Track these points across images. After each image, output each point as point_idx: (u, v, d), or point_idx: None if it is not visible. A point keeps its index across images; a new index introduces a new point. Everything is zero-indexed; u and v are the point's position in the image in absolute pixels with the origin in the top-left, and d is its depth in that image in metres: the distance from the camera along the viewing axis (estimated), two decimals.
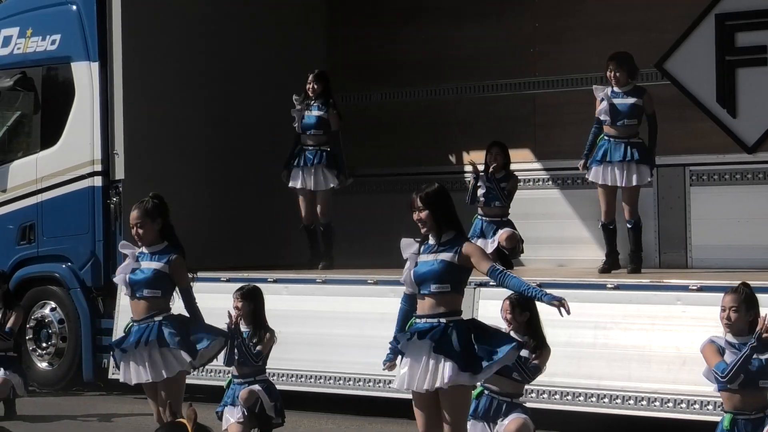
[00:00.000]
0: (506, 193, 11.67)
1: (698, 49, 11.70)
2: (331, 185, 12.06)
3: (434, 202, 7.02)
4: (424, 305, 7.00)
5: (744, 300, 7.33)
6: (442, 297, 6.96)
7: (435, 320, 6.94)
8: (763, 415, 7.35)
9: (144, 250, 8.33)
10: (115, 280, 8.62)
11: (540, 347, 8.26)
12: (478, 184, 11.69)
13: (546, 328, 8.70)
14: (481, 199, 11.69)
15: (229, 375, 9.91)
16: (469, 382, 6.96)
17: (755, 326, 7.36)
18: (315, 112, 12.04)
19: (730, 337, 7.36)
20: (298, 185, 12.06)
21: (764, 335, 7.21)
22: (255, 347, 9.48)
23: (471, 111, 13.01)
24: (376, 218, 13.16)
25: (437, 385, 6.85)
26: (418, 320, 7.02)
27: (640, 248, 10.82)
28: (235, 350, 9.51)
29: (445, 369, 6.83)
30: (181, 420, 6.52)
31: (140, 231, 8.20)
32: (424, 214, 7.01)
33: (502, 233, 11.54)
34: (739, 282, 7.54)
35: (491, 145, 11.83)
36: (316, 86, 12.05)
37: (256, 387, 9.57)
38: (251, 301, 9.70)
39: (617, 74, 10.66)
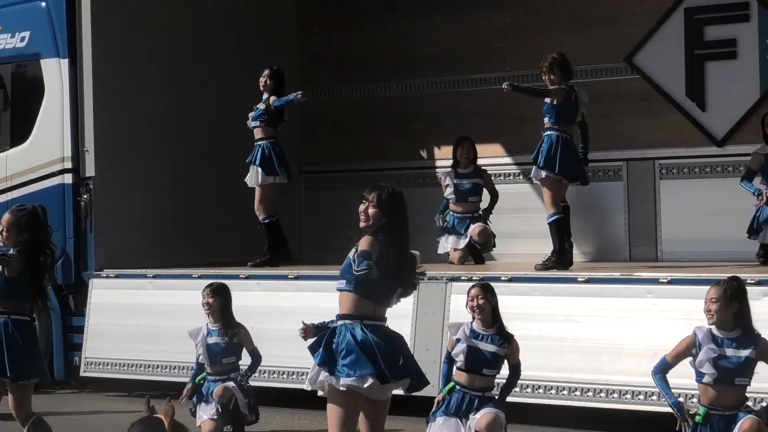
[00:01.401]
0: (481, 188, 11.78)
1: (667, 43, 11.75)
2: (253, 183, 11.79)
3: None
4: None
5: (724, 293, 7.39)
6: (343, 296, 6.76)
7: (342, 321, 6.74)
8: (737, 412, 7.40)
9: None
10: None
11: (507, 339, 8.31)
12: (447, 183, 11.77)
13: (517, 322, 8.76)
14: (452, 196, 11.76)
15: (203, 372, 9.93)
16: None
17: (739, 319, 7.41)
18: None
19: (715, 330, 7.41)
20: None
21: None
22: (232, 340, 9.53)
23: (442, 106, 13.03)
24: (347, 214, 13.12)
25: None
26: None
27: (558, 245, 10.33)
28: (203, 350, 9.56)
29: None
30: (158, 416, 6.50)
31: (4, 234, 8.37)
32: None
33: (474, 228, 11.61)
34: (729, 275, 7.61)
35: (461, 140, 11.90)
36: (268, 81, 11.92)
37: (231, 384, 9.58)
38: (221, 297, 9.73)
39: (551, 76, 10.50)
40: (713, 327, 7.41)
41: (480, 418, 8.15)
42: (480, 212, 11.81)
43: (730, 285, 7.44)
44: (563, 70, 10.38)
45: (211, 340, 9.69)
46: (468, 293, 8.45)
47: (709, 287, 7.48)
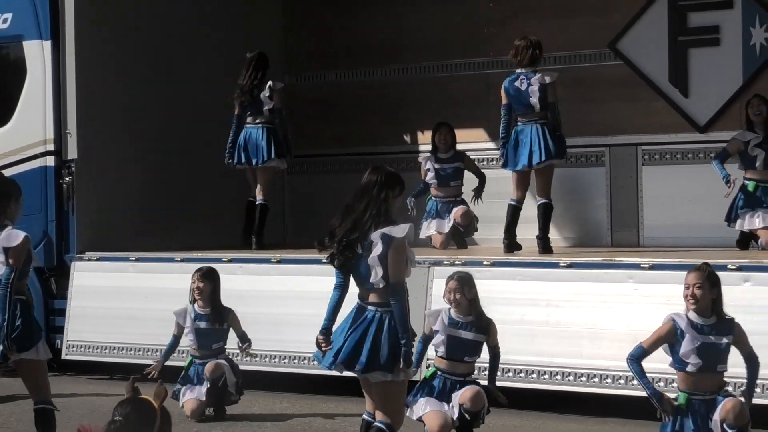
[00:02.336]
0: (462, 172, 11.80)
1: (651, 30, 11.77)
2: None
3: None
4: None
5: (707, 277, 7.41)
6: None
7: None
8: (717, 396, 7.43)
9: None
10: None
11: (486, 326, 8.34)
12: (427, 167, 11.79)
13: (498, 306, 8.79)
14: (434, 180, 11.77)
15: (189, 355, 9.93)
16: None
17: (717, 306, 7.43)
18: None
19: (694, 316, 7.40)
20: None
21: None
22: (222, 326, 9.57)
23: (426, 91, 13.04)
24: (330, 198, 13.14)
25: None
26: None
27: (543, 230, 10.61)
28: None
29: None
30: (145, 397, 6.46)
31: None
32: None
33: (457, 210, 11.63)
34: (701, 261, 7.63)
35: (439, 125, 11.91)
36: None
37: (223, 361, 9.61)
38: (211, 281, 9.75)
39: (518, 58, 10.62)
40: (692, 313, 7.43)
41: (464, 392, 8.22)
42: (462, 196, 11.83)
43: (709, 270, 7.47)
44: (514, 57, 10.50)
45: (201, 324, 9.71)
46: (446, 284, 8.47)
47: (686, 273, 7.51)
